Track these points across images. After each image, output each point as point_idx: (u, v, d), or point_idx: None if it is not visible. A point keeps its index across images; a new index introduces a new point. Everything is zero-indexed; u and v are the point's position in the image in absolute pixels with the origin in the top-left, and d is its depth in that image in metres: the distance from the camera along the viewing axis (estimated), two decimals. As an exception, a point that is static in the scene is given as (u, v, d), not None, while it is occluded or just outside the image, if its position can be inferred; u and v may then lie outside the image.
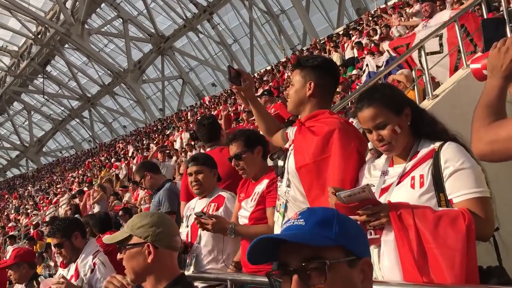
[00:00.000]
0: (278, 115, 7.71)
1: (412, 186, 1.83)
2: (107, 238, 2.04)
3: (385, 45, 7.44)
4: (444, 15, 6.26)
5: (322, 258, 1.01)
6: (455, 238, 1.64)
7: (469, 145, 1.85)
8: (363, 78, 9.15)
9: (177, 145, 15.72)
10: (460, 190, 1.75)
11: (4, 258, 5.22)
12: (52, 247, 5.73)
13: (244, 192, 3.02)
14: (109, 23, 41.11)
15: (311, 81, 2.34)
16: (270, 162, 2.48)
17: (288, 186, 2.32)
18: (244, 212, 2.94)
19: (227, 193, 3.25)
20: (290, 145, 2.41)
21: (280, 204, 2.36)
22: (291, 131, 2.51)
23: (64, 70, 46.65)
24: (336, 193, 1.76)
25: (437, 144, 1.86)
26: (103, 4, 39.49)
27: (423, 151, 1.88)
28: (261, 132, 2.89)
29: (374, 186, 1.93)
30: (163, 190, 4.34)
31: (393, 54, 6.90)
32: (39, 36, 41.53)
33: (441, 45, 5.80)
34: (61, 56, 43.94)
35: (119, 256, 1.96)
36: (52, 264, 7.98)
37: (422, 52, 5.33)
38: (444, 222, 1.67)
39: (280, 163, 2.41)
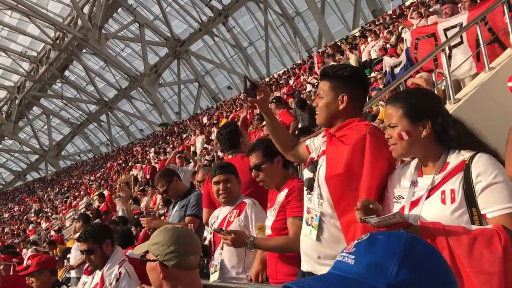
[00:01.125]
0: (282, 121, 7.69)
1: (443, 201, 1.78)
2: (133, 252, 2.07)
3: (406, 35, 7.21)
4: (463, 15, 6.19)
5: None
6: (491, 261, 1.60)
7: (499, 152, 1.83)
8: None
9: (197, 148, 15.77)
10: (494, 205, 1.70)
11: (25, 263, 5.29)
12: (79, 253, 5.78)
13: (270, 202, 3.00)
14: (126, 28, 41.51)
15: (344, 94, 2.27)
16: (307, 174, 2.42)
17: (321, 198, 2.27)
18: (268, 222, 2.92)
19: (249, 199, 3.24)
20: (319, 156, 2.34)
21: (313, 218, 2.29)
22: (313, 142, 2.48)
23: (82, 74, 47.25)
24: (366, 220, 1.73)
25: (467, 155, 1.81)
26: (119, 9, 39.92)
27: (452, 163, 1.83)
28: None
29: (403, 198, 1.90)
30: (194, 195, 4.31)
31: (408, 45, 6.72)
32: (57, 42, 42.12)
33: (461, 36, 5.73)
34: (79, 61, 44.50)
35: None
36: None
37: (443, 57, 5.24)
38: (479, 243, 1.63)
39: (309, 174, 2.35)
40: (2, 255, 5.54)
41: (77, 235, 4.78)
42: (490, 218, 1.71)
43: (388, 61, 9.53)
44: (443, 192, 1.80)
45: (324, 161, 2.28)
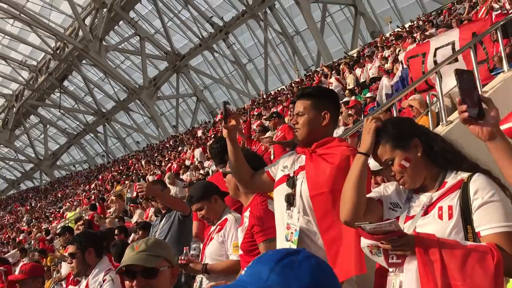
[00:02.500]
0: (283, 137, 7.70)
1: (440, 217, 1.80)
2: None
3: (401, 56, 7.38)
4: (453, 31, 6.30)
5: None
6: (483, 277, 1.60)
7: (494, 173, 1.86)
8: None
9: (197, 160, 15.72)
10: (489, 223, 1.71)
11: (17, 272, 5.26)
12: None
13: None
14: (127, 41, 41.72)
15: (326, 111, 2.42)
16: (282, 190, 2.45)
17: (304, 214, 2.32)
18: (240, 240, 2.95)
19: (231, 214, 3.27)
20: (296, 172, 2.40)
21: (292, 233, 2.32)
22: (278, 164, 2.53)
23: (80, 85, 47.36)
24: (361, 225, 1.75)
25: (465, 175, 1.83)
26: (121, 22, 40.18)
27: (450, 182, 1.85)
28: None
29: (400, 208, 1.93)
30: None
31: (405, 66, 6.86)
32: (58, 52, 42.28)
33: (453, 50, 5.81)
34: (78, 72, 44.64)
35: None
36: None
37: (437, 78, 5.31)
38: (472, 259, 1.63)
39: (287, 190, 2.38)
40: None
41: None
42: (484, 236, 1.72)
43: (385, 82, 9.64)
44: (440, 208, 1.81)
45: (305, 177, 2.34)
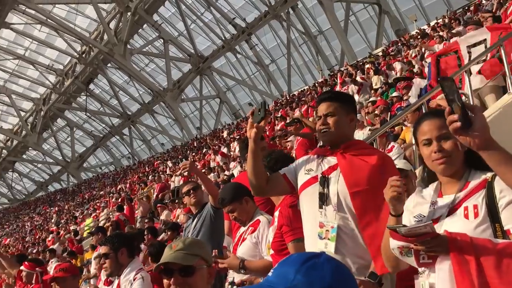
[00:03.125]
0: (303, 141, 7.64)
1: (466, 216, 1.79)
2: None
3: (428, 59, 7.20)
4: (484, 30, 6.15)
5: None
6: None
7: None
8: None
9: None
10: None
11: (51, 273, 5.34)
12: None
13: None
14: (151, 44, 42.21)
15: (353, 114, 2.56)
16: (313, 190, 2.48)
17: (339, 211, 2.38)
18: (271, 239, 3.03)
19: (263, 216, 3.30)
20: (326, 173, 2.46)
21: (328, 230, 2.37)
22: (297, 166, 2.57)
23: (106, 88, 48.08)
24: (397, 229, 1.75)
25: (489, 174, 1.82)
26: (145, 25, 40.66)
27: (473, 182, 1.84)
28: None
29: (424, 216, 1.91)
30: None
31: (427, 68, 6.65)
32: (84, 56, 43.02)
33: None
34: (104, 75, 45.34)
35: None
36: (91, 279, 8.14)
37: (466, 77, 5.21)
38: (507, 256, 1.64)
39: (319, 189, 2.43)
40: (26, 263, 5.59)
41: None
42: None
43: (418, 83, 9.47)
44: (466, 208, 1.81)
45: (340, 176, 2.41)
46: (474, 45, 5.59)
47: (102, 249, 3.52)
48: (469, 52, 5.47)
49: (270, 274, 1.08)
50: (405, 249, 1.80)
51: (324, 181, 2.43)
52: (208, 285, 1.96)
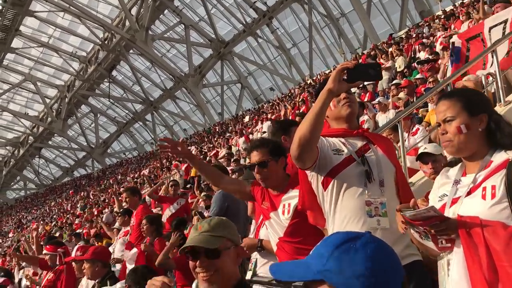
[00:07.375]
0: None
1: (483, 197, 1.76)
2: None
3: (454, 37, 6.99)
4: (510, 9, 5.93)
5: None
6: None
7: None
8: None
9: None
10: None
11: (73, 254, 5.42)
12: (123, 246, 6.05)
13: (268, 201, 2.96)
14: (172, 29, 42.26)
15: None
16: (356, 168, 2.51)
17: (384, 186, 2.42)
18: (277, 225, 2.90)
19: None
20: (361, 151, 2.47)
21: (377, 207, 2.37)
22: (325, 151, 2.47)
23: (128, 74, 48.49)
24: (401, 212, 1.79)
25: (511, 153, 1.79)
26: (166, 11, 40.70)
27: (496, 161, 1.81)
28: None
29: (447, 195, 1.89)
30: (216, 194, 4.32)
31: (456, 45, 6.42)
32: (106, 42, 43.40)
33: (503, 32, 5.48)
34: (126, 61, 45.68)
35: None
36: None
37: (494, 58, 5.06)
38: None
39: (362, 168, 2.43)
40: (47, 246, 5.67)
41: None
42: None
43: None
44: (484, 189, 1.78)
45: (378, 153, 2.48)
46: (496, 25, 5.41)
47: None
48: (489, 34, 5.30)
49: (313, 250, 1.09)
50: (423, 233, 1.81)
51: (364, 159, 2.44)
52: (235, 266, 1.92)
